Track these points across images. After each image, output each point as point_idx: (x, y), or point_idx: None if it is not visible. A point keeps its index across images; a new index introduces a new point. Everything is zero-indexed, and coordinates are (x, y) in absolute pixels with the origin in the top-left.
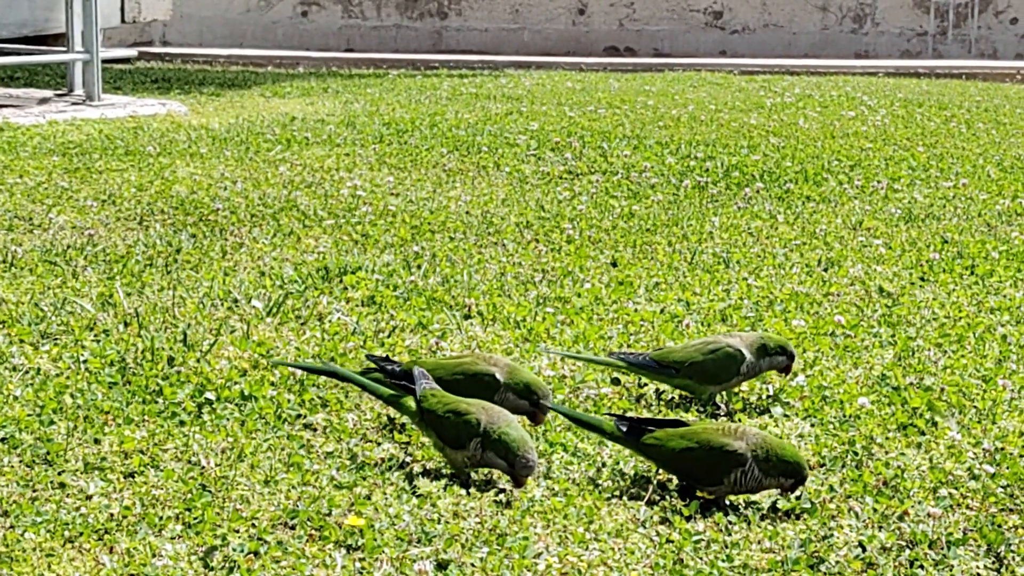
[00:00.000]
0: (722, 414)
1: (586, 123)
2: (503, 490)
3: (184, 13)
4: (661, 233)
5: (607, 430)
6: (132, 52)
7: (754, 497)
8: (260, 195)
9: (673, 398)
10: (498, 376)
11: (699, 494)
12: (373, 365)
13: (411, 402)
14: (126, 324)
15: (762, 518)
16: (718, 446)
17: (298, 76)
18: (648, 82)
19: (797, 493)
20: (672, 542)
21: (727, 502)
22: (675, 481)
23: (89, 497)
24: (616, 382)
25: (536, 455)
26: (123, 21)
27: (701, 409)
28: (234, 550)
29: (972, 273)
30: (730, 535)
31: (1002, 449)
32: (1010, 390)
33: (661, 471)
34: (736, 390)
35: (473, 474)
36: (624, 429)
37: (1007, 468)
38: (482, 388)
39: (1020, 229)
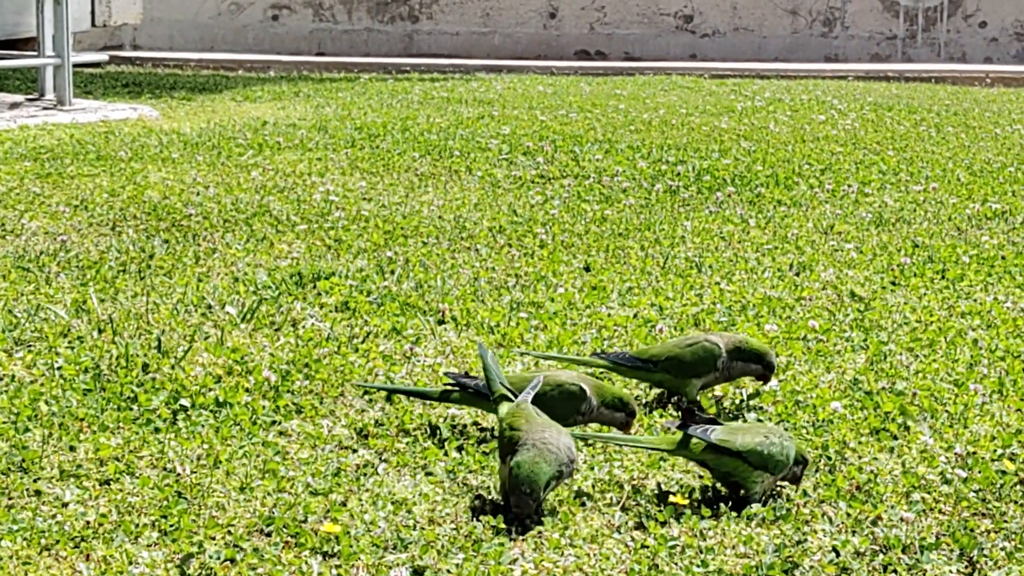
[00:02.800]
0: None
1: (558, 127)
2: (479, 496)
3: (154, 17)
4: (633, 237)
5: (663, 445)
6: (103, 56)
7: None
8: (232, 200)
9: (650, 403)
10: (586, 390)
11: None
12: (451, 381)
13: (503, 409)
14: (100, 331)
15: (737, 523)
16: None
17: (269, 80)
18: (619, 86)
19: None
20: (647, 547)
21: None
22: (650, 486)
23: (65, 504)
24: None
25: (538, 495)
26: (93, 25)
27: (681, 407)
28: (210, 557)
29: (943, 277)
30: (705, 540)
31: (974, 453)
32: (981, 394)
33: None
34: (710, 393)
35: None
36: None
37: (979, 472)
38: (567, 399)
39: (990, 233)
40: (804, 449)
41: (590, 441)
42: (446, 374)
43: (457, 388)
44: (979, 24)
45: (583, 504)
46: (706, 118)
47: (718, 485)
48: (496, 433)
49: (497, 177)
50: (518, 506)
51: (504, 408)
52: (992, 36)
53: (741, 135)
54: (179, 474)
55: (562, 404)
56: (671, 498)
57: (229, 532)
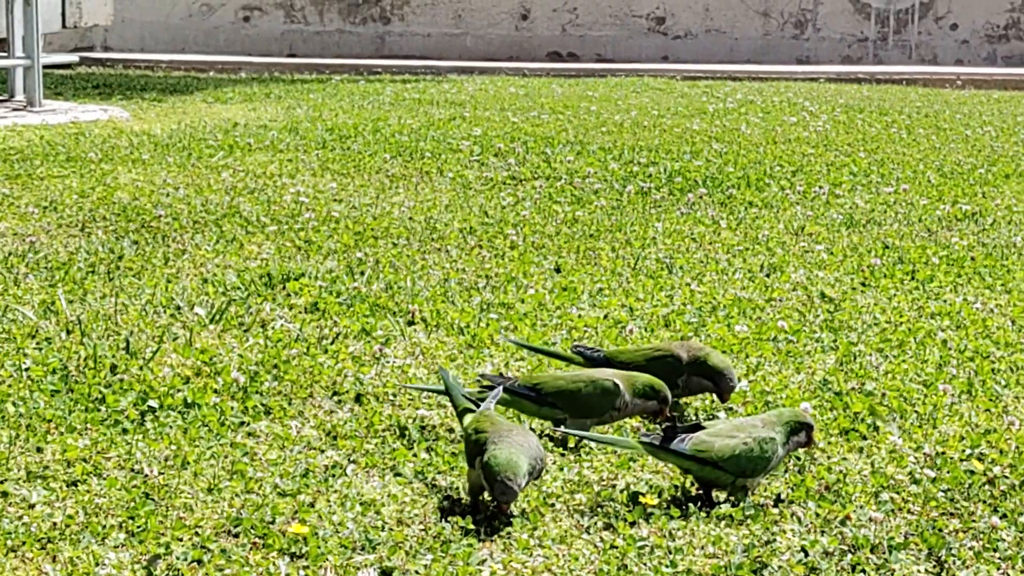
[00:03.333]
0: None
1: (529, 129)
2: (448, 497)
3: (125, 18)
4: (604, 239)
5: (633, 447)
6: (73, 58)
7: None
8: (203, 201)
9: None
10: (620, 386)
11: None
12: (488, 383)
13: (466, 419)
14: (68, 332)
15: (706, 524)
16: (769, 438)
17: (240, 82)
18: (591, 87)
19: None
20: (616, 548)
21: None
22: (619, 487)
23: (32, 506)
24: None
25: (522, 480)
26: (64, 26)
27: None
28: (177, 558)
29: (913, 278)
30: (674, 540)
31: (943, 453)
32: (950, 395)
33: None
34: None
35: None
36: (659, 442)
37: (948, 472)
38: (601, 395)
39: (960, 234)
40: (800, 415)
41: (571, 439)
42: (481, 375)
43: (492, 387)
44: (950, 26)
45: (552, 505)
46: (678, 120)
47: (687, 485)
48: (463, 440)
49: (468, 178)
50: (504, 494)
51: (468, 418)
52: (963, 38)
53: (713, 137)
54: (147, 475)
55: (597, 400)
56: (640, 498)
57: (196, 533)
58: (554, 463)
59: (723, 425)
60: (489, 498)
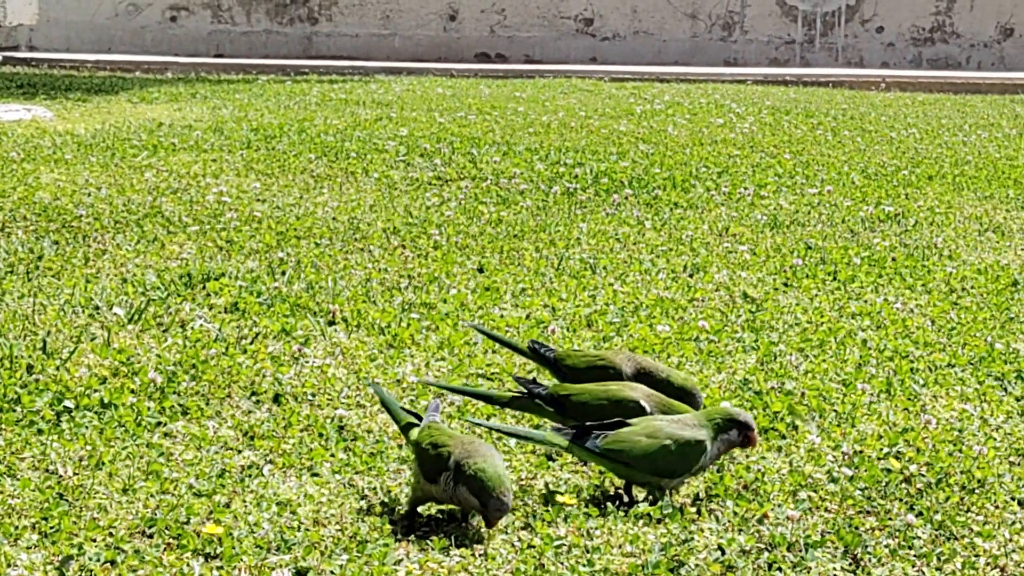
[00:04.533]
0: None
1: (456, 129)
2: (365, 497)
3: (51, 18)
4: (529, 239)
5: (552, 442)
6: None
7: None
8: (125, 201)
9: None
10: (643, 404)
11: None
12: (522, 388)
13: (413, 433)
14: None
15: (624, 523)
16: (689, 439)
17: (166, 82)
18: (519, 88)
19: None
20: (533, 547)
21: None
22: (537, 487)
23: None
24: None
25: (511, 495)
26: None
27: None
28: (90, 559)
29: (834, 279)
30: (591, 540)
31: (861, 452)
32: (869, 394)
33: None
34: None
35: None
36: (577, 434)
37: (865, 471)
38: (624, 415)
39: (883, 235)
40: (732, 412)
41: (494, 433)
42: (515, 378)
43: (526, 395)
44: (876, 29)
45: None
46: (605, 121)
47: (606, 484)
48: (413, 452)
49: (394, 179)
50: (499, 510)
51: (415, 431)
52: (889, 41)
53: (640, 138)
54: (61, 476)
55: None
56: (558, 498)
57: (110, 534)
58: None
59: (649, 423)
60: (458, 510)
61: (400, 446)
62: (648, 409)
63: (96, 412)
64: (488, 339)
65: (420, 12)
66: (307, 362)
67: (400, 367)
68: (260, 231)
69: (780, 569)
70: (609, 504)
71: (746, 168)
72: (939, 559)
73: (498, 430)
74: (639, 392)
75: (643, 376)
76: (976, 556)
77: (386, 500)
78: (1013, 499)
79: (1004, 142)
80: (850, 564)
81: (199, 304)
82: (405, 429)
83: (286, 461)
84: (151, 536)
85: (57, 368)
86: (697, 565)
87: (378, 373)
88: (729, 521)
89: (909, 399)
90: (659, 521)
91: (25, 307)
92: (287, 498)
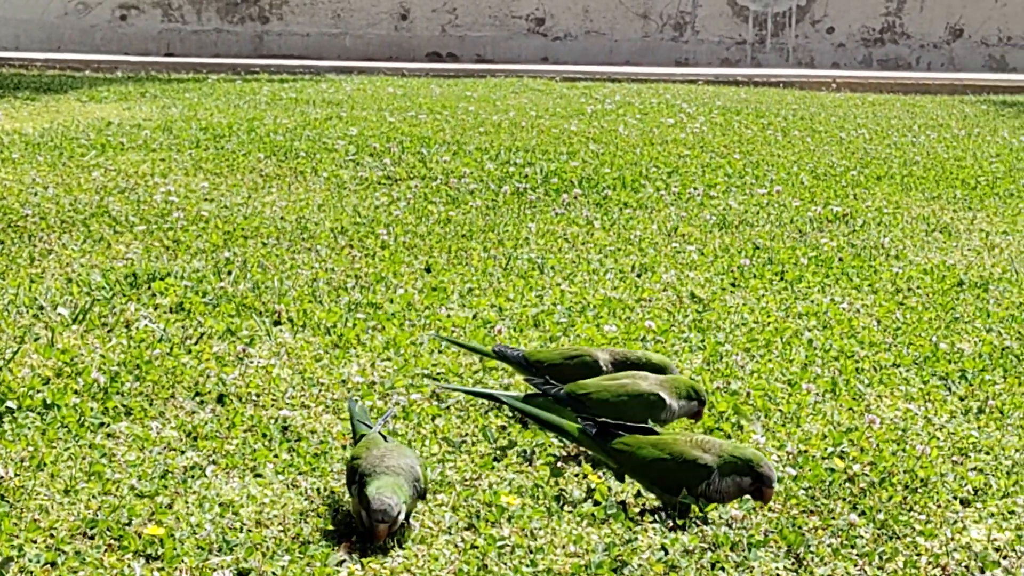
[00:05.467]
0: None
1: (406, 129)
2: (309, 498)
3: (0, 16)
4: (477, 239)
5: (571, 432)
6: None
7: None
8: (71, 201)
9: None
10: (663, 395)
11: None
12: (535, 390)
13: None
14: None
15: (568, 523)
16: (690, 459)
17: (116, 81)
18: (470, 88)
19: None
20: (477, 548)
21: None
22: (481, 487)
23: None
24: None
25: (396, 503)
26: None
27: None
28: (31, 560)
29: (782, 279)
30: (535, 540)
31: (805, 452)
32: (814, 394)
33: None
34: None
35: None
36: (593, 432)
37: (809, 471)
38: (646, 408)
39: (831, 235)
40: (753, 458)
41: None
42: (527, 380)
43: (540, 394)
44: (827, 30)
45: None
46: (556, 121)
47: (548, 487)
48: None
49: (343, 178)
50: (382, 520)
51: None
52: (839, 42)
53: (590, 138)
54: (2, 477)
55: (642, 413)
56: (503, 498)
57: (51, 535)
58: (419, 463)
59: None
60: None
61: (344, 447)
62: (667, 400)
63: (39, 413)
64: (452, 345)
65: (371, 11)
66: (252, 362)
67: (345, 367)
68: (207, 231)
69: (723, 569)
70: (554, 504)
71: (696, 168)
72: (881, 558)
73: (527, 414)
74: (651, 382)
75: (621, 362)
76: (918, 555)
77: (329, 501)
78: (955, 498)
79: (952, 143)
80: (793, 563)
81: (144, 304)
82: (358, 441)
83: (229, 462)
84: (92, 537)
85: None
86: (640, 565)
87: (323, 374)
88: (673, 521)
89: (854, 399)
90: (603, 521)
91: None
92: (230, 499)
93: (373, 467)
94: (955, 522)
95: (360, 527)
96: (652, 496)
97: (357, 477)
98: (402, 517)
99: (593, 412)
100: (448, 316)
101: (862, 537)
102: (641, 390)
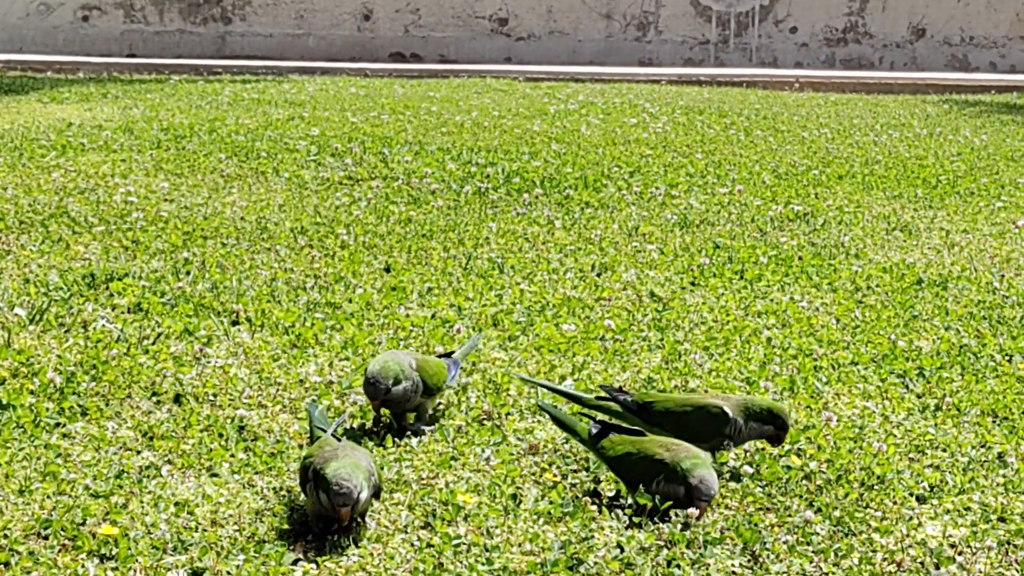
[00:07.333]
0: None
1: (368, 129)
2: (265, 497)
3: None
4: (437, 239)
5: (580, 433)
6: None
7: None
8: (31, 201)
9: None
10: (726, 409)
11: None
12: (606, 395)
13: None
14: None
15: (524, 521)
16: (650, 455)
17: (78, 82)
18: (433, 88)
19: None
20: (432, 546)
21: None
22: (438, 486)
23: None
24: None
25: (357, 483)
26: None
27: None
28: None
29: (741, 278)
30: (491, 538)
31: (762, 450)
32: (772, 392)
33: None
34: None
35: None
36: (594, 432)
37: (766, 468)
38: (709, 421)
39: (791, 234)
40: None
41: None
42: (602, 387)
43: (609, 399)
44: (790, 29)
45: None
46: (518, 120)
47: (505, 486)
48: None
49: (304, 178)
50: (341, 500)
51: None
52: (802, 41)
53: (553, 138)
54: None
55: (703, 426)
56: (459, 497)
57: (5, 535)
58: (373, 462)
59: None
60: (326, 514)
61: (301, 446)
62: (731, 414)
63: None
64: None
65: (334, 12)
66: (209, 362)
67: (303, 367)
68: (166, 231)
69: (679, 566)
70: (510, 502)
71: (658, 168)
72: (837, 555)
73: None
74: (721, 399)
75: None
76: (873, 551)
77: (286, 500)
78: (911, 495)
79: (914, 142)
80: (748, 561)
81: (102, 304)
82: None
83: (185, 462)
84: (46, 537)
85: None
86: (596, 563)
87: (281, 373)
88: (629, 519)
89: (812, 397)
90: (559, 519)
91: None
92: (185, 499)
93: (327, 459)
94: (911, 519)
95: (316, 526)
96: (625, 489)
97: (311, 472)
98: (364, 497)
99: (657, 422)
100: (407, 316)
101: (818, 534)
102: (705, 403)
